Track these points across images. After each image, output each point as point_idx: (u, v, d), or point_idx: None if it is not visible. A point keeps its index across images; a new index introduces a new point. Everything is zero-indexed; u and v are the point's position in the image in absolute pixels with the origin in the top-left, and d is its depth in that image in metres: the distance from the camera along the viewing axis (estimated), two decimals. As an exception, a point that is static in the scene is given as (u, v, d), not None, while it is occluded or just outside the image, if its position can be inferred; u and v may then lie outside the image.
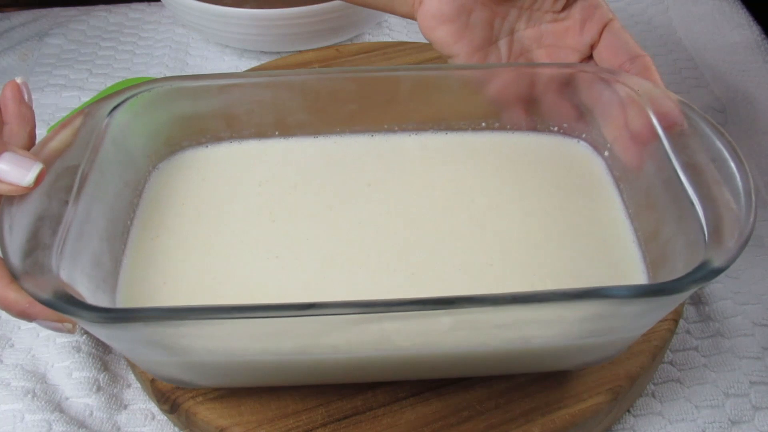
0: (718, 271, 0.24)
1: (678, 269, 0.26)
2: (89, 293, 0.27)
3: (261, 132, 0.37)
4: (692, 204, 0.28)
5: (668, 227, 0.30)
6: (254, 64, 0.55)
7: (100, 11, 0.62)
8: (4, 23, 0.60)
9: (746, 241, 0.25)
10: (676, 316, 0.35)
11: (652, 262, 0.31)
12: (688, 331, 0.37)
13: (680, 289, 0.24)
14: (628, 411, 0.34)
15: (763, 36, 0.57)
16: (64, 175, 0.29)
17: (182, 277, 0.31)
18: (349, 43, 0.57)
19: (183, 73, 0.56)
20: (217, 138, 0.37)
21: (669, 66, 0.55)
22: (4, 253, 0.25)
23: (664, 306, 0.26)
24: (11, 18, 0.61)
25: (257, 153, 0.36)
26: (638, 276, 0.31)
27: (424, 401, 0.31)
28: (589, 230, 0.33)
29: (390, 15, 0.61)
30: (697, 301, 0.38)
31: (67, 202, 0.28)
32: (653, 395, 0.34)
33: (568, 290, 0.24)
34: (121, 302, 0.29)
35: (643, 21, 0.60)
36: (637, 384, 0.33)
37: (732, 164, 0.28)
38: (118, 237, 0.32)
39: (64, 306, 0.24)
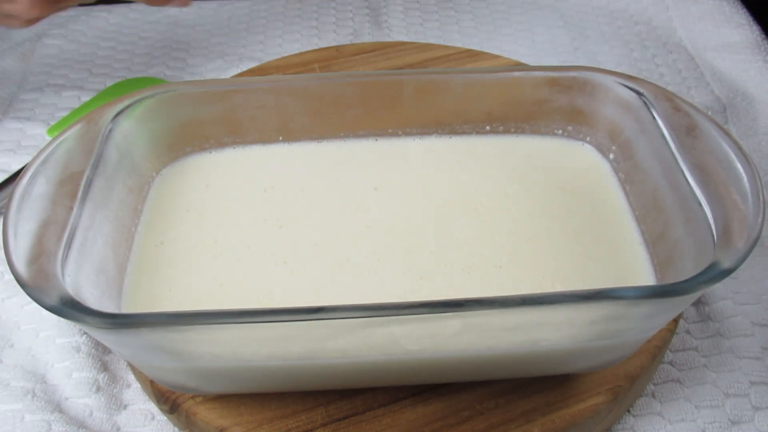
0: (727, 272, 0.25)
1: (686, 270, 0.26)
2: (94, 300, 0.27)
3: (265, 137, 0.37)
4: (700, 205, 0.28)
5: (675, 229, 0.30)
6: (254, 64, 0.55)
7: (100, 11, 0.62)
8: (3, 23, 0.60)
9: (755, 242, 0.25)
10: (676, 317, 0.35)
11: (659, 263, 0.31)
12: (688, 332, 0.37)
13: (690, 290, 0.24)
14: (628, 411, 0.34)
15: (763, 36, 0.57)
16: (68, 181, 0.29)
17: (188, 283, 0.31)
18: (349, 43, 0.57)
19: (183, 74, 0.56)
20: (220, 144, 0.37)
21: (669, 66, 0.55)
22: (9, 260, 0.25)
23: (674, 307, 0.26)
24: (11, 18, 0.61)
25: (261, 158, 0.36)
26: (646, 277, 0.31)
27: (424, 401, 0.31)
28: (595, 232, 0.33)
29: (390, 15, 0.62)
30: (697, 301, 0.39)
31: (71, 209, 0.28)
32: (653, 395, 0.35)
33: (578, 292, 0.24)
34: (127, 309, 0.30)
35: (643, 21, 0.60)
36: (637, 384, 0.33)
37: (739, 165, 0.28)
38: (123, 243, 0.32)
39: (70, 312, 0.24)
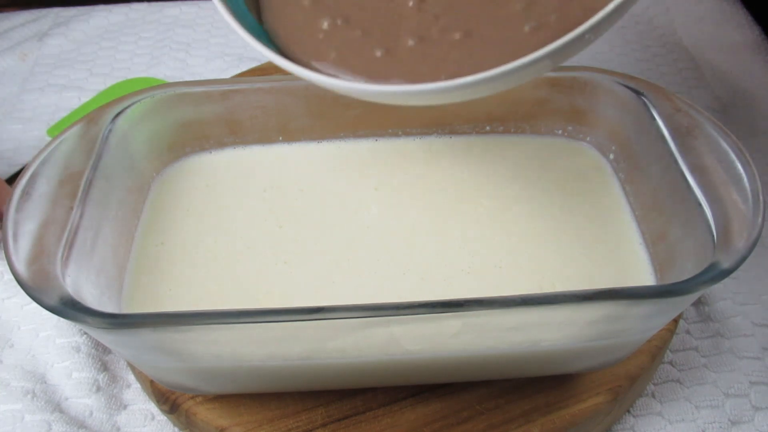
0: (727, 272, 0.25)
1: (686, 271, 0.27)
2: (94, 300, 0.27)
3: (264, 137, 0.37)
4: (700, 205, 0.28)
5: (675, 229, 0.30)
6: (254, 64, 0.55)
7: (100, 11, 0.62)
8: (4, 23, 0.60)
9: (755, 242, 0.25)
10: (676, 317, 0.35)
11: (659, 263, 0.31)
12: (688, 332, 0.37)
13: (690, 290, 0.25)
14: (628, 411, 0.34)
15: (763, 36, 0.57)
16: (68, 181, 0.29)
17: (188, 283, 0.31)
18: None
19: (183, 74, 0.56)
20: (220, 144, 0.37)
21: (669, 66, 0.55)
22: (9, 260, 0.26)
23: (674, 307, 0.27)
24: (11, 18, 0.61)
25: (261, 159, 0.37)
26: (646, 278, 0.31)
27: (424, 401, 0.31)
28: (596, 232, 0.33)
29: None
30: (697, 301, 0.39)
31: (71, 209, 0.28)
32: (653, 395, 0.35)
33: (579, 292, 0.24)
34: (126, 309, 0.30)
35: (644, 21, 0.60)
36: (637, 384, 0.33)
37: (739, 165, 0.28)
38: (123, 244, 0.32)
39: (70, 312, 0.24)
